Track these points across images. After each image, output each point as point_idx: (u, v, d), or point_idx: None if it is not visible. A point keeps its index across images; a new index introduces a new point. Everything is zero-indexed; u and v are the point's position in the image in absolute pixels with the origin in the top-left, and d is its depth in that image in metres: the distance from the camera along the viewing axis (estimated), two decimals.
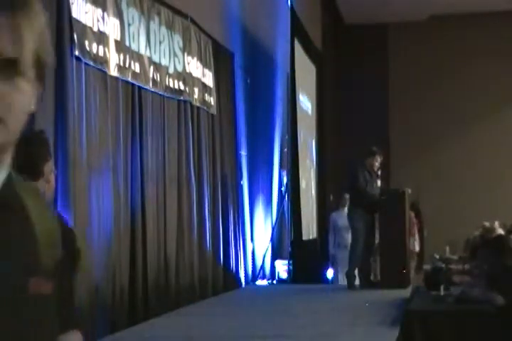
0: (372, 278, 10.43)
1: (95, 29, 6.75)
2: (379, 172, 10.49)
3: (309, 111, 15.57)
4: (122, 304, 7.03)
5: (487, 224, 12.69)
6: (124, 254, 7.17)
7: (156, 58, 8.19)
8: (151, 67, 8.03)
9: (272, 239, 12.40)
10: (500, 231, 11.10)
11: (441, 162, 18.70)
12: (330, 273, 12.58)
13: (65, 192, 6.01)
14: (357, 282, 10.10)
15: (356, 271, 10.09)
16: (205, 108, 9.74)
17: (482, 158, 18.63)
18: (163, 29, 8.49)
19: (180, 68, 8.91)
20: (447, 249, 13.82)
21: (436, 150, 18.82)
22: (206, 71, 9.88)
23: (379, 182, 10.46)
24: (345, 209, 11.33)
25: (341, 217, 12.15)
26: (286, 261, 12.26)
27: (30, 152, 3.26)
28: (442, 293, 6.92)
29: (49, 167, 3.48)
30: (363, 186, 10.11)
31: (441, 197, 18.22)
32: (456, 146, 18.81)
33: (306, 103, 15.08)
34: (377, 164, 10.43)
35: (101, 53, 6.83)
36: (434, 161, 18.77)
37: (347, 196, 11.50)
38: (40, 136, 4.09)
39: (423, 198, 16.30)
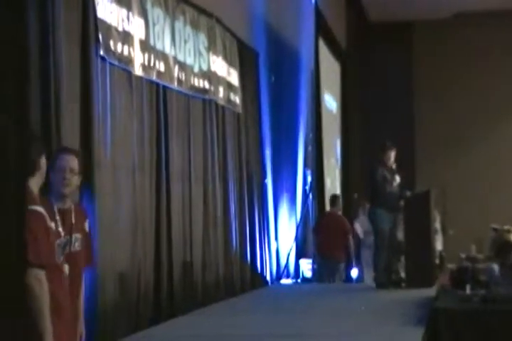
0: (396, 276, 10.34)
1: (120, 29, 6.77)
2: (394, 167, 10.02)
3: (334, 110, 15.54)
4: (147, 302, 7.05)
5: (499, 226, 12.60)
6: (149, 253, 7.19)
7: (181, 57, 8.20)
8: (176, 67, 8.04)
9: (296, 238, 12.39)
10: None
11: (469, 160, 18.58)
12: (354, 273, 12.55)
13: (90, 192, 6.03)
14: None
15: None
16: (230, 107, 9.75)
17: (510, 156, 18.48)
18: (188, 28, 8.49)
19: (205, 67, 8.92)
20: (473, 248, 13.73)
21: (463, 149, 18.70)
22: (231, 70, 9.89)
23: (397, 178, 10.00)
24: (365, 217, 11.30)
25: (363, 224, 12.29)
26: (310, 260, 12.24)
27: (25, 148, 3.32)
28: (468, 292, 6.88)
29: (44, 161, 3.54)
30: (380, 185, 9.85)
31: (467, 196, 18.11)
32: (483, 144, 18.67)
33: (331, 102, 15.05)
34: (391, 159, 9.99)
35: (126, 53, 6.84)
36: (461, 160, 18.65)
37: (367, 206, 11.31)
38: (31, 131, 4.15)
39: (449, 197, 16.21)
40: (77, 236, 4.04)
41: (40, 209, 3.41)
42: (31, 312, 3.30)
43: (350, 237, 11.70)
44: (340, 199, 12.52)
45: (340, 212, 12.29)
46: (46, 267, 3.38)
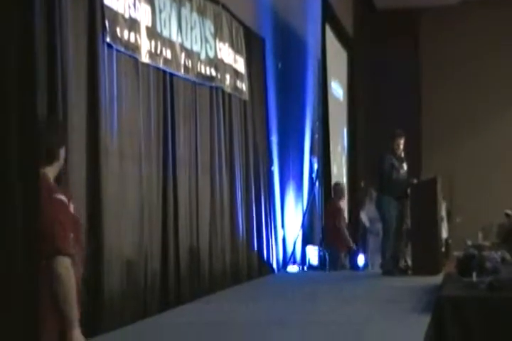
0: (403, 264, 10.35)
1: (127, 16, 6.76)
2: (402, 155, 10.09)
3: (341, 98, 15.50)
4: (154, 290, 7.08)
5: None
6: (156, 241, 7.21)
7: (187, 44, 8.19)
8: (183, 54, 8.03)
9: (302, 225, 12.40)
10: None
11: (476, 148, 18.54)
12: (360, 260, 12.57)
13: (96, 180, 6.04)
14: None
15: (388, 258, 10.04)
16: (236, 94, 9.74)
17: None
18: (195, 15, 8.47)
19: (211, 54, 8.90)
20: (480, 235, 13.75)
21: (469, 137, 18.66)
22: (238, 57, 9.87)
23: (405, 166, 10.09)
24: (372, 205, 11.32)
25: (369, 211, 12.28)
26: (317, 247, 12.25)
27: (47, 137, 3.34)
28: (475, 279, 6.88)
29: (64, 152, 3.55)
30: (388, 172, 9.87)
31: (474, 184, 18.10)
32: (491, 133, 18.63)
33: (337, 89, 15.01)
34: (400, 147, 10.03)
35: (132, 40, 6.84)
36: (468, 148, 18.61)
37: (374, 193, 11.36)
38: (56, 122, 4.14)
39: (456, 185, 16.20)
40: None
41: (64, 198, 3.41)
42: (61, 302, 3.31)
43: (341, 223, 11.67)
44: (342, 186, 12.56)
45: (341, 200, 12.32)
46: (71, 255, 3.39)
